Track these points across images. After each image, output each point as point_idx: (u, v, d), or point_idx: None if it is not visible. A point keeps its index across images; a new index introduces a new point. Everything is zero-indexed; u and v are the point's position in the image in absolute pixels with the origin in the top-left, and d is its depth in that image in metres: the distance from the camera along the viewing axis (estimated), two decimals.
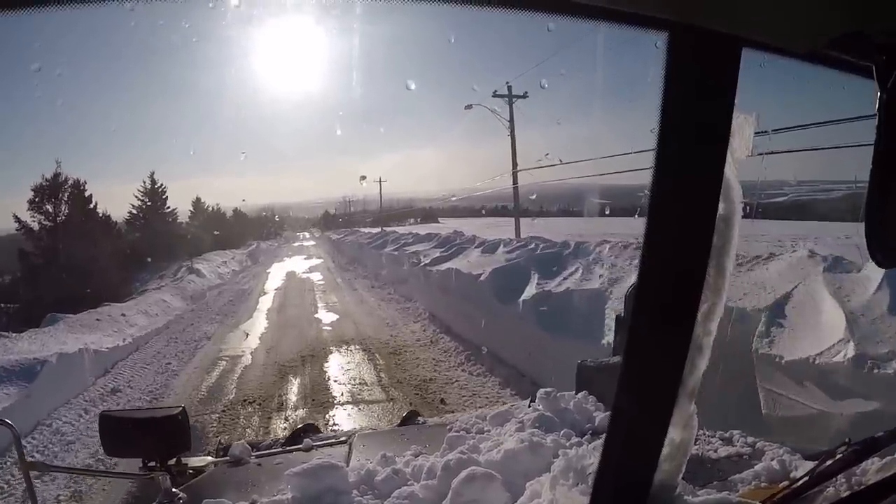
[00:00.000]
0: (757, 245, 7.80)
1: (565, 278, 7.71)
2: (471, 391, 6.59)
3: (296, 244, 54.52)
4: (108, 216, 26.09)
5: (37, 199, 21.72)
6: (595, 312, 6.16)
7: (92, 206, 24.07)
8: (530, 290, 7.55)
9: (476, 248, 12.19)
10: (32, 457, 4.77)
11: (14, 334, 8.52)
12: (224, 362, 8.63)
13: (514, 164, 18.95)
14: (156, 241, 26.93)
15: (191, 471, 1.55)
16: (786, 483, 1.01)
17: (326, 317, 12.14)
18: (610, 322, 5.50)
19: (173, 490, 1.38)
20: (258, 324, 11.83)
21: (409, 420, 2.31)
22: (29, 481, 1.45)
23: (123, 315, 10.96)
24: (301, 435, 1.93)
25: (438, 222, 49.05)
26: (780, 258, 5.57)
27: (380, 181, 40.98)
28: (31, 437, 5.55)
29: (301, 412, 6.16)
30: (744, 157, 0.68)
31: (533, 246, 10.23)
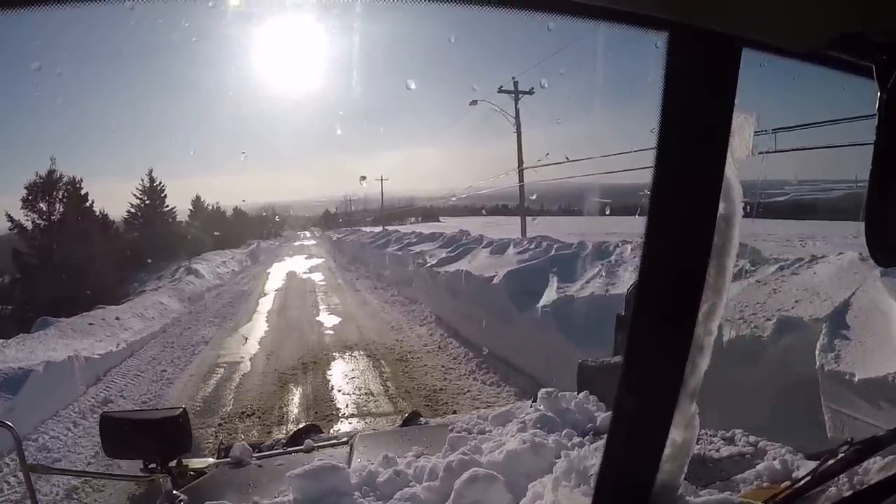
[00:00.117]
0: (766, 244, 7.51)
1: (588, 282, 7.24)
2: (485, 402, 6.18)
3: (296, 243, 54.32)
4: (106, 215, 25.76)
5: (30, 198, 21.19)
6: None
7: (88, 204, 23.54)
8: (550, 295, 7.11)
9: (484, 248, 11.86)
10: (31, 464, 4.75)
11: (2, 340, 8.17)
12: (222, 369, 8.34)
13: (521, 162, 18.77)
14: (155, 241, 26.73)
15: (192, 472, 1.55)
16: (788, 483, 1.00)
17: (328, 319, 11.93)
18: None
19: (174, 492, 1.38)
20: (258, 327, 11.62)
21: (410, 421, 2.31)
22: (29, 483, 1.45)
23: (118, 318, 10.66)
24: (302, 436, 1.93)
25: (439, 221, 49.02)
26: (825, 261, 5.14)
27: (381, 180, 40.97)
28: (13, 455, 5.00)
29: (303, 426, 5.97)
30: (744, 156, 0.68)
31: (545, 246, 9.87)
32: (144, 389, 7.57)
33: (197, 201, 40.21)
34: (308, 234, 76.72)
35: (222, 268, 23.85)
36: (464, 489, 1.14)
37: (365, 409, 6.30)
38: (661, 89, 0.56)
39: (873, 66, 0.64)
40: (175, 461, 1.47)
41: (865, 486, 0.92)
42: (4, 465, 4.84)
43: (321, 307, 13.72)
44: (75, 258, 19.78)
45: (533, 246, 10.35)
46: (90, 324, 9.86)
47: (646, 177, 0.60)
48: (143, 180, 31.22)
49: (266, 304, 14.93)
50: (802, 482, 0.92)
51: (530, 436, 1.34)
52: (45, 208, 21.42)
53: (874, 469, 0.95)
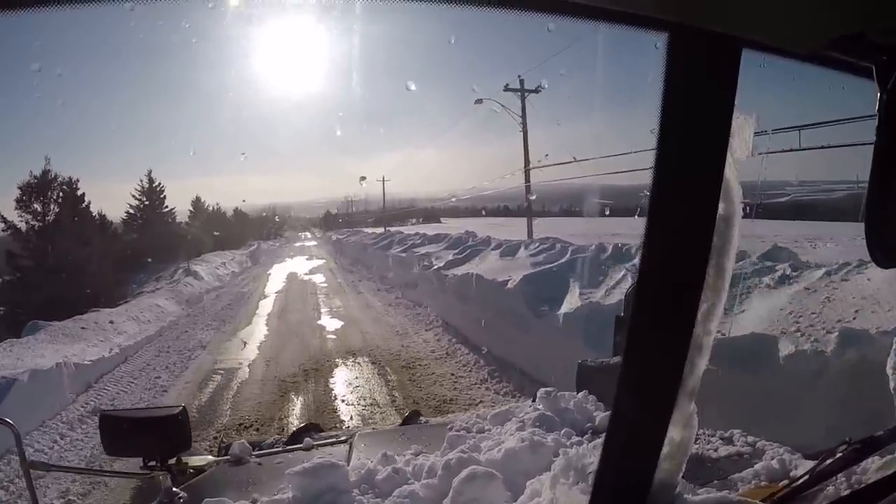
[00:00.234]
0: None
1: (613, 287, 6.80)
2: None
3: (297, 244, 54.18)
4: (104, 216, 25.34)
5: (24, 198, 20.68)
6: None
7: (85, 205, 23.09)
8: (573, 301, 6.74)
9: (493, 250, 11.48)
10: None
11: None
12: (219, 376, 7.91)
13: (527, 162, 18.46)
14: (154, 242, 26.46)
15: (191, 470, 1.55)
16: (786, 482, 1.01)
17: (330, 323, 11.46)
18: None
19: (174, 489, 1.38)
20: (257, 331, 11.20)
21: (410, 419, 2.31)
22: (29, 481, 1.45)
23: (111, 322, 10.21)
24: (302, 434, 1.94)
25: (440, 222, 49.00)
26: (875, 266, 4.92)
27: (383, 181, 40.83)
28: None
29: (303, 425, 5.76)
30: (744, 157, 0.68)
31: (559, 248, 9.49)
32: (137, 398, 7.18)
33: (197, 202, 40.15)
34: (309, 234, 76.68)
35: (222, 269, 23.65)
36: (462, 487, 1.14)
37: (371, 421, 5.92)
38: (661, 90, 0.56)
39: (873, 67, 0.64)
40: (175, 459, 1.47)
41: (863, 485, 0.92)
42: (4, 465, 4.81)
43: (323, 310, 13.45)
44: (71, 260, 19.39)
45: (545, 248, 10.02)
46: (82, 328, 9.48)
47: (645, 178, 0.60)
48: (142, 181, 31.15)
49: (266, 306, 14.67)
50: (800, 481, 0.93)
51: (529, 434, 1.35)
52: (39, 209, 20.96)
53: (872, 468, 0.95)
